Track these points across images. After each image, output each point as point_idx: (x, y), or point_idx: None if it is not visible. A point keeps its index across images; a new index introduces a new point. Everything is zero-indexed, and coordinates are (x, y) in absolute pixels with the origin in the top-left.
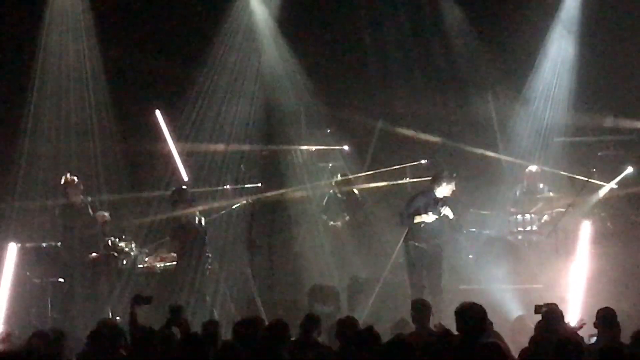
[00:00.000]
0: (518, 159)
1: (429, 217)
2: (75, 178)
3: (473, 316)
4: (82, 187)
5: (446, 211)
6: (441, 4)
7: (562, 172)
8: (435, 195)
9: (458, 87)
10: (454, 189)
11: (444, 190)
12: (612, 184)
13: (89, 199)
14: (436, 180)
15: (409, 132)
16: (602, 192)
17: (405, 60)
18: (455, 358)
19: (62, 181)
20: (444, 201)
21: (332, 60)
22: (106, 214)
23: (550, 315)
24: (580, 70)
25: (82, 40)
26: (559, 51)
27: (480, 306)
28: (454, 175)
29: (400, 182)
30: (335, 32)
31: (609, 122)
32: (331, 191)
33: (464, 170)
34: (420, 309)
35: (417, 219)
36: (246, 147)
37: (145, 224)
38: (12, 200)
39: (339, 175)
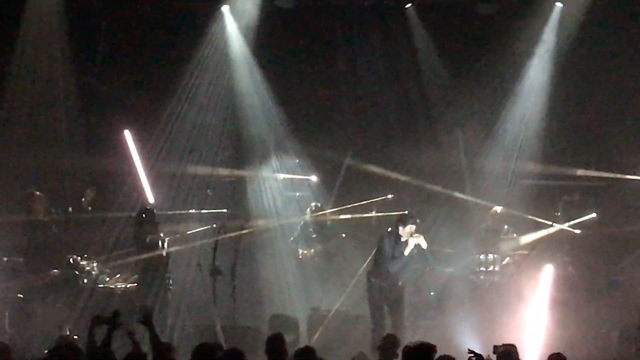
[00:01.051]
0: (484, 200)
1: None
2: (39, 194)
3: (422, 357)
4: (47, 204)
5: (420, 240)
6: (416, 41)
7: (526, 215)
8: (398, 236)
9: (429, 126)
10: (414, 232)
11: (405, 232)
12: (566, 225)
13: (53, 211)
14: (400, 222)
15: (378, 169)
16: (553, 230)
17: (378, 96)
18: None
19: (26, 197)
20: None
21: (305, 92)
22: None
23: (506, 356)
24: (551, 116)
25: (56, 60)
26: (531, 95)
27: (428, 345)
28: (417, 221)
29: (367, 215)
30: (309, 65)
31: (579, 172)
32: (305, 220)
33: (430, 207)
34: (391, 344)
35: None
36: (214, 172)
37: (108, 243)
38: None
39: (313, 205)
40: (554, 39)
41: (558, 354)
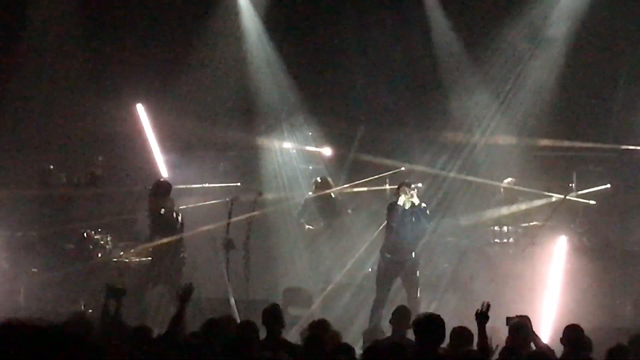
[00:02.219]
0: (497, 172)
1: None
2: (53, 168)
3: (431, 327)
4: (62, 178)
5: (413, 199)
6: (427, 9)
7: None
8: (399, 206)
9: (441, 96)
10: (413, 200)
11: (403, 200)
12: (578, 194)
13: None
14: (397, 191)
15: (391, 137)
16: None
17: (390, 66)
18: None
19: (42, 171)
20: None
21: (317, 64)
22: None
23: (519, 327)
24: (564, 87)
25: (68, 33)
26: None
27: (437, 317)
28: (419, 185)
29: (379, 188)
30: (321, 36)
31: (592, 144)
32: (309, 195)
33: (442, 179)
34: (402, 316)
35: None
36: (227, 145)
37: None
38: None
39: (318, 179)
40: (570, 3)
41: (574, 325)
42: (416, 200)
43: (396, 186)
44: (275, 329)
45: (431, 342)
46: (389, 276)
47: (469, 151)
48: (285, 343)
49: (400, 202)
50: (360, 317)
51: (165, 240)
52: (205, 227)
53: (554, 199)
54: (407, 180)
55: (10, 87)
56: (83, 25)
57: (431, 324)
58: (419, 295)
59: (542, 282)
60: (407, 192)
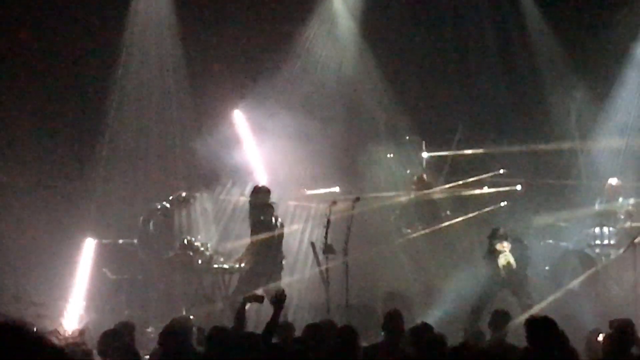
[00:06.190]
0: (598, 173)
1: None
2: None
3: (544, 329)
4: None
5: (509, 258)
6: (525, 11)
7: None
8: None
9: (539, 96)
10: (509, 259)
11: (501, 264)
12: None
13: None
14: (492, 249)
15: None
16: None
17: (488, 69)
18: None
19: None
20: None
21: (413, 65)
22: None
23: (622, 330)
24: None
25: (164, 38)
26: None
27: (552, 319)
28: (505, 244)
29: (478, 191)
30: (417, 39)
31: None
32: (409, 198)
33: (543, 178)
34: (501, 319)
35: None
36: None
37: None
38: (93, 196)
39: (415, 177)
40: None
41: None
42: (513, 262)
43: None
44: (395, 334)
45: (545, 344)
46: (498, 285)
47: (570, 155)
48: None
49: (501, 272)
50: (462, 321)
51: (264, 247)
52: (305, 232)
53: None
54: (499, 231)
55: (115, 96)
56: (180, 32)
57: (546, 326)
58: (530, 300)
59: None
60: (501, 249)
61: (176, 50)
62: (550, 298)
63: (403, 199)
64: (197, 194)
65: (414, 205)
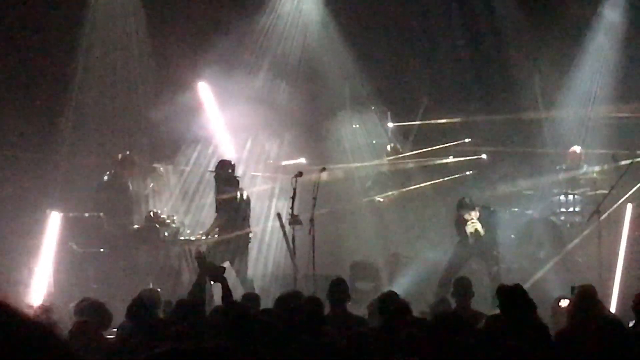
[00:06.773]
0: (562, 140)
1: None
2: (137, 159)
3: (515, 296)
4: (137, 168)
5: (477, 226)
6: None
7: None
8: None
9: (503, 66)
10: (477, 227)
11: (469, 232)
12: None
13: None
14: (459, 219)
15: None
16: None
17: (451, 36)
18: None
19: (125, 159)
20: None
21: (378, 36)
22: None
23: (585, 296)
24: (628, 54)
25: (128, 8)
26: (608, 32)
27: (521, 287)
28: (473, 213)
29: (445, 160)
30: (381, 7)
31: None
32: (380, 165)
33: (508, 147)
34: (462, 287)
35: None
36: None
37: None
38: (57, 166)
39: (389, 147)
40: None
41: None
42: (481, 229)
43: (466, 158)
44: (339, 303)
45: (518, 311)
46: (468, 255)
47: (534, 123)
48: (350, 316)
49: (469, 240)
50: (429, 290)
51: (231, 219)
52: (272, 204)
53: (620, 165)
54: (465, 200)
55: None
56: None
57: (517, 293)
58: (497, 267)
59: (608, 252)
60: (469, 218)
61: (140, 20)
62: (515, 266)
63: (370, 169)
64: (160, 166)
65: (386, 175)
